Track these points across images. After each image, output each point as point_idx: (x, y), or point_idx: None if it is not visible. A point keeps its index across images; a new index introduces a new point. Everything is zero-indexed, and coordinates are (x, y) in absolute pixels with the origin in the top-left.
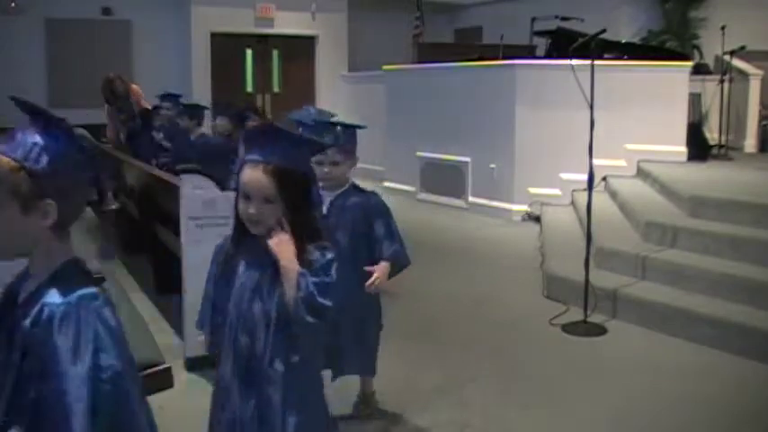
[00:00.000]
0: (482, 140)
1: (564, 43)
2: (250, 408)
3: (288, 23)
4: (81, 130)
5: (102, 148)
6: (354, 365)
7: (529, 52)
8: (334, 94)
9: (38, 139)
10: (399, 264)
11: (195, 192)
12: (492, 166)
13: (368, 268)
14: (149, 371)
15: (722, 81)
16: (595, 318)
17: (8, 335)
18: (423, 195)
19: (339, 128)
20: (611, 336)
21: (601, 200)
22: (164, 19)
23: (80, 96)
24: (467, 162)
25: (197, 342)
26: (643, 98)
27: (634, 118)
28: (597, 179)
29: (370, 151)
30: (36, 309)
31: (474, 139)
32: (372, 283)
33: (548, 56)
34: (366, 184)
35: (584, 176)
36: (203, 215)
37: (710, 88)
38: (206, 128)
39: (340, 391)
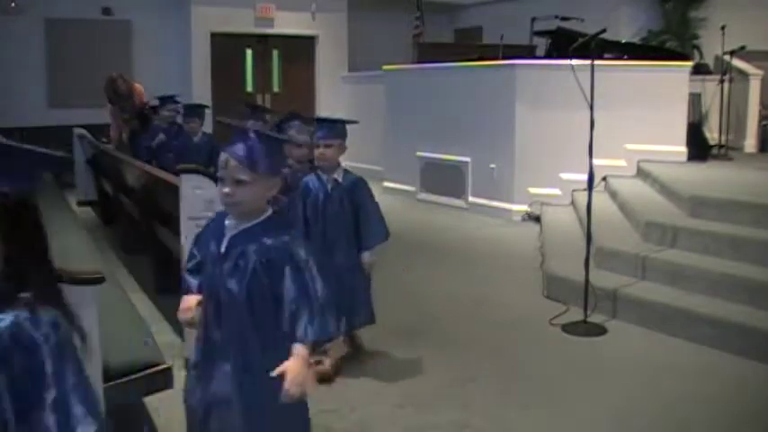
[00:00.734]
0: (482, 140)
1: (564, 43)
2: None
3: (288, 23)
4: (81, 131)
5: None
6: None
7: (529, 52)
8: (333, 93)
9: None
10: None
11: (195, 192)
12: (492, 166)
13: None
14: (149, 371)
15: (722, 81)
16: (595, 318)
17: None
18: (423, 195)
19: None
20: (611, 336)
21: (601, 200)
22: (164, 19)
23: (80, 96)
24: (467, 162)
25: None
26: (643, 98)
27: (634, 118)
28: (597, 179)
29: (370, 151)
30: None
31: (474, 138)
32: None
33: (548, 56)
34: None
35: (584, 176)
36: (203, 215)
37: (710, 88)
38: (206, 128)
39: None
